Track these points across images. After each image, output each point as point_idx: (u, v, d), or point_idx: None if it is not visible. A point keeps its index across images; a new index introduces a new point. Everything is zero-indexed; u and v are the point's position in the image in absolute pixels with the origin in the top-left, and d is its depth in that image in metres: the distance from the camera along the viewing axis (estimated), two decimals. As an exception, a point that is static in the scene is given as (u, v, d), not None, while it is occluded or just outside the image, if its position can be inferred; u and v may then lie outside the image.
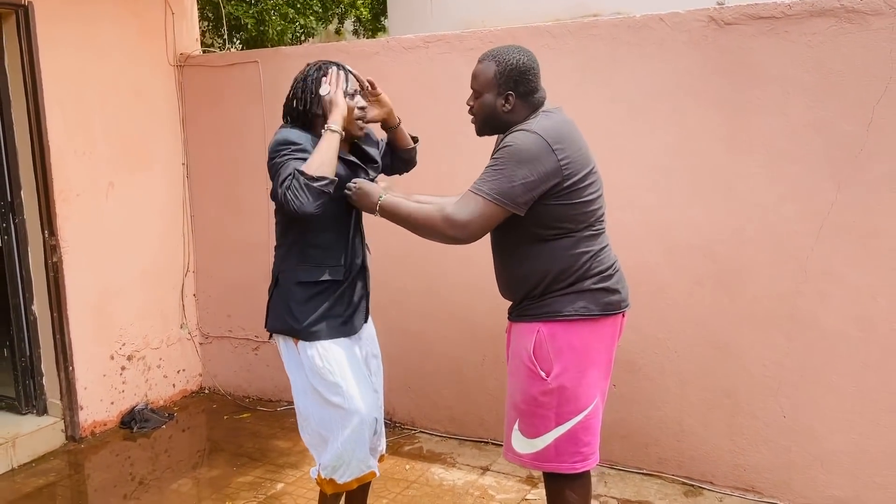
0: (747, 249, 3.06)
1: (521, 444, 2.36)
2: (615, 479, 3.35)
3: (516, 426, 2.37)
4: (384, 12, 8.71)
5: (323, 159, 2.31)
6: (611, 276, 2.30)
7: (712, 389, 3.19)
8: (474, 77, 2.32)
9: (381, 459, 2.81)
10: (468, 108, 2.39)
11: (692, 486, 3.27)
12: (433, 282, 3.74)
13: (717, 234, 3.11)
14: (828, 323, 2.95)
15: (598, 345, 2.30)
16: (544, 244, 2.24)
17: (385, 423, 2.84)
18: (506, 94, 2.26)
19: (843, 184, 2.85)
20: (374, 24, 9.45)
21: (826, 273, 2.93)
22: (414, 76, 3.70)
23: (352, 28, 9.88)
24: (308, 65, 2.56)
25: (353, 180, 2.44)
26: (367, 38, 9.52)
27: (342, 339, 2.56)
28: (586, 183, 2.22)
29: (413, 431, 3.93)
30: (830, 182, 2.87)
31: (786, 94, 2.90)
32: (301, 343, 2.54)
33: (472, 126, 2.41)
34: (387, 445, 2.88)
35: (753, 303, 3.07)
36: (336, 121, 2.39)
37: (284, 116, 2.57)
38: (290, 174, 2.31)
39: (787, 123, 2.92)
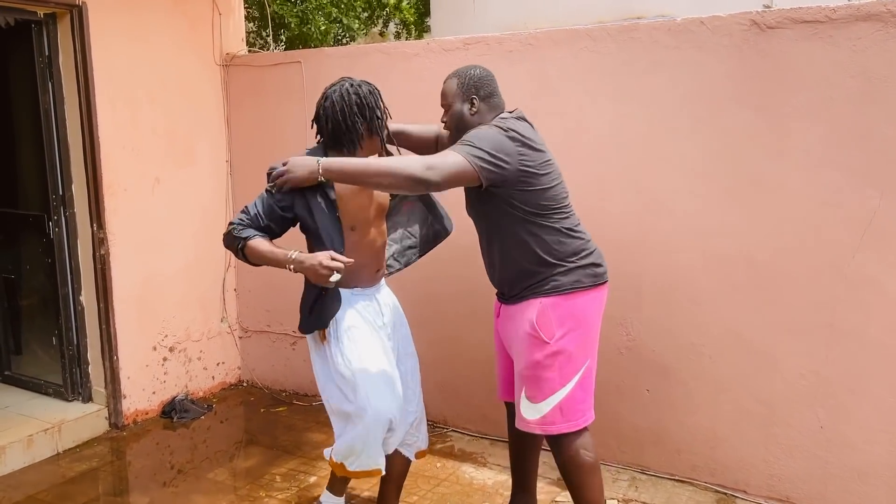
0: (786, 256, 3.01)
1: (529, 411, 2.58)
2: (647, 485, 3.33)
3: (523, 394, 2.59)
4: (427, 13, 8.75)
5: (261, 254, 2.57)
6: (592, 251, 2.62)
7: (747, 397, 3.15)
8: (443, 95, 2.67)
9: (419, 455, 2.91)
10: (442, 124, 2.73)
11: (725, 494, 3.23)
12: (464, 286, 3.75)
13: (755, 241, 3.07)
14: (868, 332, 2.89)
15: (592, 312, 2.62)
16: (528, 240, 2.52)
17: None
18: (470, 98, 2.62)
19: (887, 191, 2.80)
20: (418, 24, 9.52)
21: (867, 281, 2.87)
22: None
23: (394, 30, 9.95)
24: (333, 89, 2.63)
25: (278, 164, 2.61)
26: (412, 38, 9.60)
27: (360, 316, 2.68)
28: (545, 171, 2.50)
29: (445, 430, 3.96)
30: (873, 189, 2.82)
31: (828, 100, 2.85)
32: (328, 333, 2.66)
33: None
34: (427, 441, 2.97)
35: (791, 310, 3.03)
36: (301, 264, 2.48)
37: (320, 133, 2.70)
38: (245, 220, 2.61)
39: (830, 129, 2.87)
